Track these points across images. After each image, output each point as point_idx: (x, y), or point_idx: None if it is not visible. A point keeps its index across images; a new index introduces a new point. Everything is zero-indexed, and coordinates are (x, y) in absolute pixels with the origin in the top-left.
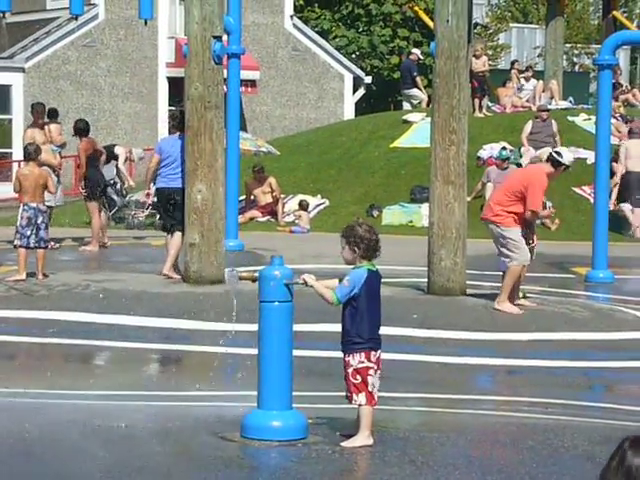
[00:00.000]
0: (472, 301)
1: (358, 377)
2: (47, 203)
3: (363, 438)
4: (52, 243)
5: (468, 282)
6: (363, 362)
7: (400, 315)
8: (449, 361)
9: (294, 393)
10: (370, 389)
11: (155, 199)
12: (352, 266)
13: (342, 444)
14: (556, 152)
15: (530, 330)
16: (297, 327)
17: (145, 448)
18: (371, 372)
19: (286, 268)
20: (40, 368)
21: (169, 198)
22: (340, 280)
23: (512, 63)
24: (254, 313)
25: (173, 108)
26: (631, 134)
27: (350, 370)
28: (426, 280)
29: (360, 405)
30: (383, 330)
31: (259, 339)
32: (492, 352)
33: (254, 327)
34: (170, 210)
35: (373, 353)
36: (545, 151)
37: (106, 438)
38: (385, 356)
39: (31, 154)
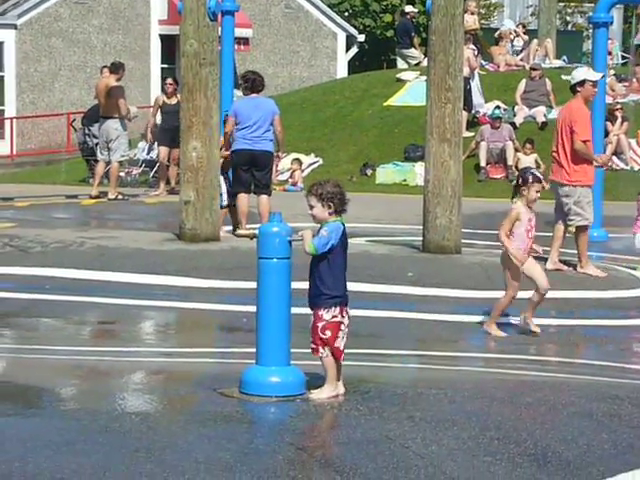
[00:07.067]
0: (467, 259)
1: (327, 332)
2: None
3: (330, 390)
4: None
5: (462, 241)
6: (336, 317)
7: (395, 273)
8: (444, 319)
9: (292, 350)
10: (337, 344)
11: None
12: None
13: (310, 395)
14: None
15: (525, 288)
16: (295, 285)
17: (144, 404)
18: (342, 327)
19: (285, 225)
20: (36, 325)
21: (250, 160)
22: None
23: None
24: (251, 270)
25: (165, 66)
26: None
27: (321, 324)
28: (421, 238)
29: (326, 357)
30: (379, 288)
31: (258, 296)
32: (487, 310)
33: (250, 284)
34: (251, 173)
35: (346, 309)
36: (539, 110)
37: (105, 393)
38: (381, 314)
39: None
